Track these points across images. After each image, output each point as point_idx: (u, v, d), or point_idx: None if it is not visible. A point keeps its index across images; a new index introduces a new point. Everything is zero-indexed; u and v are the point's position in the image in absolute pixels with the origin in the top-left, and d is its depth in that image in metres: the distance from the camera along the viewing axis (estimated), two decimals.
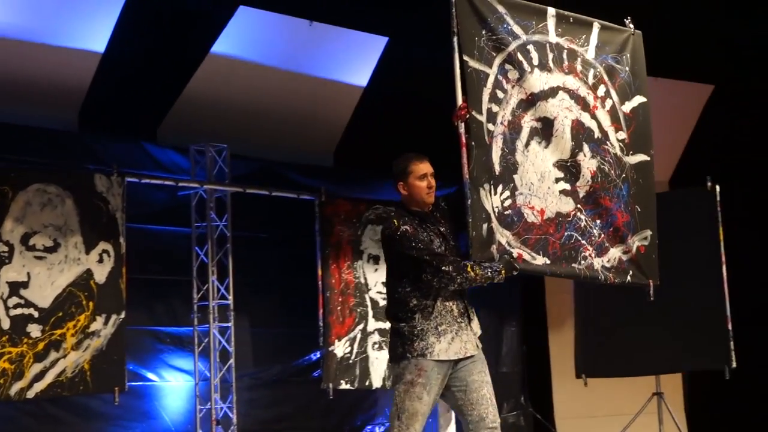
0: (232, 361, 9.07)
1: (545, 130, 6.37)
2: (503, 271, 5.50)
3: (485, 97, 6.13)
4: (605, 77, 6.79)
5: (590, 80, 6.71)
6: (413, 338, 5.43)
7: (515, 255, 5.97)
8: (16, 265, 7.71)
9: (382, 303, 9.83)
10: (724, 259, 9.48)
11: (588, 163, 6.54)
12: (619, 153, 6.71)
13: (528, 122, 6.33)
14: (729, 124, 12.32)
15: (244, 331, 9.50)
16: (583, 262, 6.39)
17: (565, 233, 6.34)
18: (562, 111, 6.47)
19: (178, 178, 9.18)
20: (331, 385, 9.38)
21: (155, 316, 9.09)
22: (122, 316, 8.25)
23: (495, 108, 6.17)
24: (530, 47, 6.40)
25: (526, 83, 6.35)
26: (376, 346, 9.71)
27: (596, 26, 6.77)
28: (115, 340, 8.17)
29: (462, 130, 5.85)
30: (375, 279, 9.79)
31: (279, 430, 9.62)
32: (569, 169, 6.46)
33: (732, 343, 9.35)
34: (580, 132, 6.54)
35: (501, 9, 6.32)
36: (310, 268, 9.58)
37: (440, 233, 5.58)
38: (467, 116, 5.90)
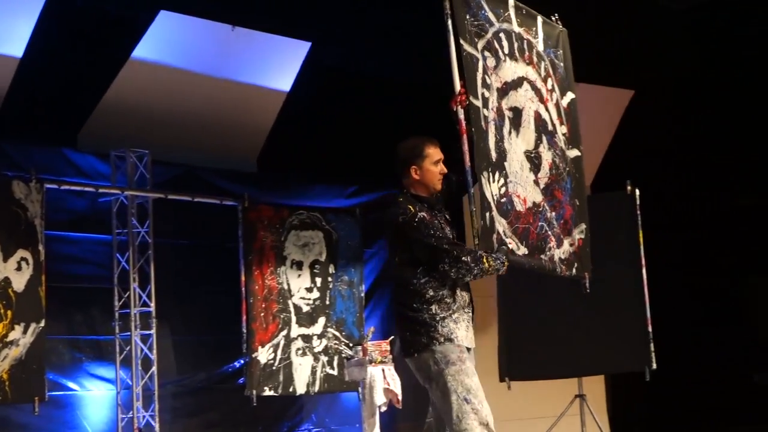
0: (154, 369, 8.98)
1: (515, 119, 6.34)
2: (505, 263, 5.41)
3: (478, 81, 6.02)
4: (551, 70, 6.82)
5: (542, 72, 6.71)
6: (435, 324, 5.28)
7: (508, 243, 5.93)
8: None
9: (306, 309, 9.81)
10: (644, 261, 9.60)
11: (546, 155, 6.56)
12: (563, 146, 6.75)
13: (504, 110, 6.27)
14: (649, 128, 12.48)
15: (166, 339, 9.41)
16: (548, 252, 6.41)
17: (539, 223, 6.37)
18: (527, 102, 6.45)
19: (99, 184, 9.07)
20: (254, 392, 9.33)
21: (75, 325, 8.96)
22: (42, 324, 8.13)
23: (486, 93, 6.07)
24: (501, 35, 6.35)
25: (501, 71, 6.30)
26: (300, 352, 9.68)
27: (539, 19, 6.78)
28: (34, 349, 8.04)
29: (462, 116, 5.68)
30: (298, 285, 9.77)
31: None
32: (533, 160, 6.45)
33: (652, 344, 9.46)
34: (539, 123, 6.53)
35: None
36: (233, 274, 9.52)
37: (447, 221, 5.47)
38: (467, 102, 5.72)
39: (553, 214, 6.50)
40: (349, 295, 10.19)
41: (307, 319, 9.80)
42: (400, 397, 8.57)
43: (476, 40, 6.10)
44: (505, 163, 6.14)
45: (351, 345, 9.16)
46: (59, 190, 8.71)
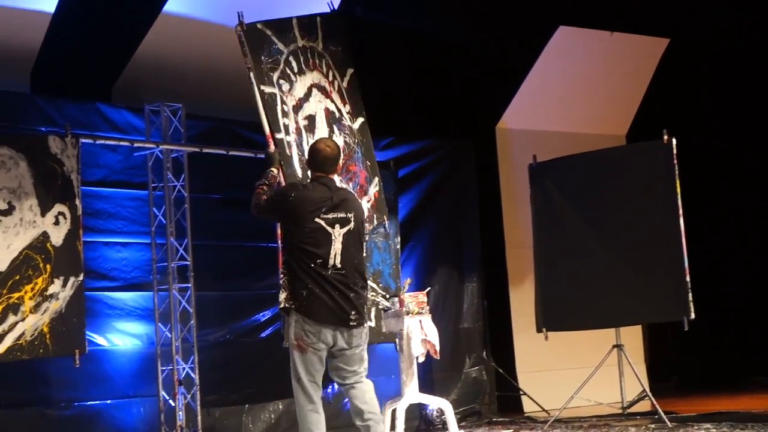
0: (192, 321, 9.00)
1: (310, 125, 7.46)
2: None
3: (279, 114, 7.16)
4: (331, 62, 7.83)
5: (324, 69, 7.77)
6: None
7: None
8: None
9: None
10: (681, 211, 9.53)
11: (339, 140, 7.56)
12: (349, 123, 7.84)
13: (301, 123, 7.40)
14: (684, 77, 12.37)
15: (199, 292, 9.38)
16: None
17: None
18: (317, 105, 7.56)
19: (134, 138, 9.06)
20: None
21: (110, 279, 8.99)
22: (80, 278, 8.16)
23: (286, 121, 7.19)
24: (291, 58, 7.45)
25: (294, 91, 7.39)
26: None
27: (318, 19, 7.80)
28: (73, 302, 8.07)
29: (276, 157, 6.75)
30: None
31: (240, 389, 9.57)
32: None
33: (690, 294, 9.41)
34: (329, 117, 7.63)
35: (268, 32, 7.33)
36: (268, 226, 9.48)
37: None
38: (275, 142, 6.87)
39: (350, 185, 7.48)
40: (385, 247, 10.16)
41: None
42: (437, 348, 8.57)
43: (272, 74, 7.23)
44: (308, 172, 7.00)
45: (388, 296, 9.15)
46: (92, 144, 8.71)
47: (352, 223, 6.17)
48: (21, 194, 7.89)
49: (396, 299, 8.64)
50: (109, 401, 8.80)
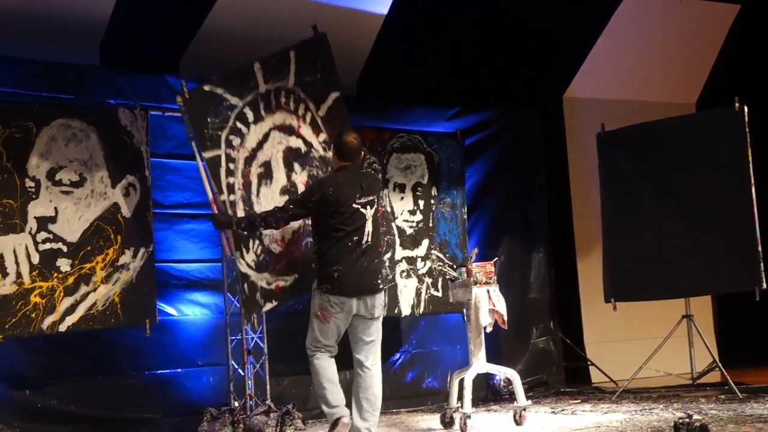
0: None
1: (267, 171, 7.63)
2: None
3: (223, 175, 7.34)
4: (302, 95, 7.97)
5: (292, 106, 7.89)
6: None
7: (273, 288, 7.49)
8: (43, 200, 7.68)
9: (409, 231, 9.80)
10: (753, 180, 9.39)
11: (300, 177, 7.83)
12: (322, 153, 8.00)
13: (254, 173, 7.55)
14: (756, 44, 12.16)
15: None
16: None
17: (303, 242, 7.67)
18: (274, 148, 7.71)
19: None
20: None
21: (178, 250, 9.07)
22: (150, 249, 8.26)
23: (231, 179, 7.39)
24: (246, 110, 7.55)
25: (247, 143, 7.55)
26: (404, 274, 9.68)
27: (292, 53, 7.92)
28: (144, 272, 8.18)
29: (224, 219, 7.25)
30: (401, 207, 9.75)
31: (308, 359, 9.60)
32: (290, 190, 7.73)
33: (762, 264, 9.29)
34: (289, 156, 7.79)
35: (219, 90, 7.43)
36: None
37: None
38: (218, 206, 7.25)
39: None
40: (452, 217, 10.15)
41: (410, 241, 9.79)
42: (505, 318, 8.54)
43: (219, 134, 7.35)
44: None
45: (455, 266, 9.13)
46: (161, 116, 8.77)
47: (376, 204, 7.16)
48: (92, 166, 7.99)
49: (463, 269, 8.62)
50: (179, 370, 8.91)
